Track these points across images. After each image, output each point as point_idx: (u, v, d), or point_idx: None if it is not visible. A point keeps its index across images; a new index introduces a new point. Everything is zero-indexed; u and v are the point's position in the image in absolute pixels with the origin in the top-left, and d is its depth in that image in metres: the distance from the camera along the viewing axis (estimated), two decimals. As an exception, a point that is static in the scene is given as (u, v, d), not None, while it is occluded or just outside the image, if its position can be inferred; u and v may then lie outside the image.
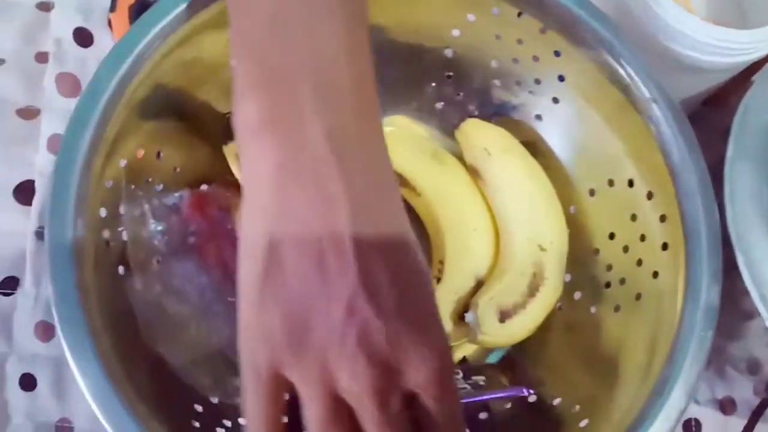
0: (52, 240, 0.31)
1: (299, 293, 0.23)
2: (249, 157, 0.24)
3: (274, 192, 0.23)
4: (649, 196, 0.37)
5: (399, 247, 0.24)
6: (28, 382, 0.39)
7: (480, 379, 0.38)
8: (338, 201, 0.23)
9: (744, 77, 0.43)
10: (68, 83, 0.43)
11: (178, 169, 0.38)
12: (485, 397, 0.37)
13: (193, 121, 0.38)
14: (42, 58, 0.44)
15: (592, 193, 0.40)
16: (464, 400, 0.37)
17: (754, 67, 0.41)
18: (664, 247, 0.35)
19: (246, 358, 0.24)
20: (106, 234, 0.33)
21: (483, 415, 0.38)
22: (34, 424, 0.38)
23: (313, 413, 0.24)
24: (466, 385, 0.38)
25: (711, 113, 0.47)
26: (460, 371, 0.39)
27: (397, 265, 0.24)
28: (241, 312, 0.24)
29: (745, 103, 0.40)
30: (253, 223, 0.24)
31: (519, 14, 0.38)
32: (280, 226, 0.23)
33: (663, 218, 0.36)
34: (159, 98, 0.35)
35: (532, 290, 0.39)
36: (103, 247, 0.33)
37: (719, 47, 0.38)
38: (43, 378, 0.39)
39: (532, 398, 0.38)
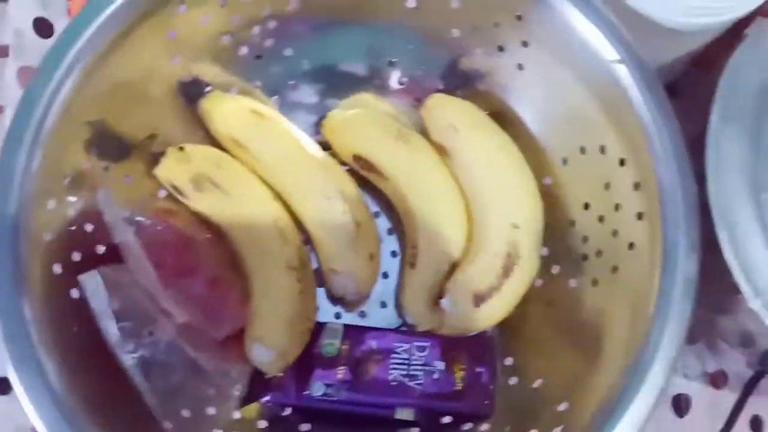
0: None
1: None
2: None
3: None
4: (622, 162, 0.35)
5: None
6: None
7: (440, 366, 0.37)
8: None
9: (733, 34, 0.40)
10: (30, 77, 0.42)
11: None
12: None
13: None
14: (3, 51, 0.43)
15: (564, 162, 0.38)
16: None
17: (744, 22, 0.38)
18: (639, 216, 0.33)
19: None
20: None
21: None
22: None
23: None
24: (417, 372, 0.36)
25: (700, 76, 0.43)
26: (426, 347, 0.37)
27: None
28: None
29: (733, 62, 0.37)
30: None
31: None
32: None
33: (637, 186, 0.34)
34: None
35: (507, 271, 0.37)
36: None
37: (693, 7, 0.35)
38: None
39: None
